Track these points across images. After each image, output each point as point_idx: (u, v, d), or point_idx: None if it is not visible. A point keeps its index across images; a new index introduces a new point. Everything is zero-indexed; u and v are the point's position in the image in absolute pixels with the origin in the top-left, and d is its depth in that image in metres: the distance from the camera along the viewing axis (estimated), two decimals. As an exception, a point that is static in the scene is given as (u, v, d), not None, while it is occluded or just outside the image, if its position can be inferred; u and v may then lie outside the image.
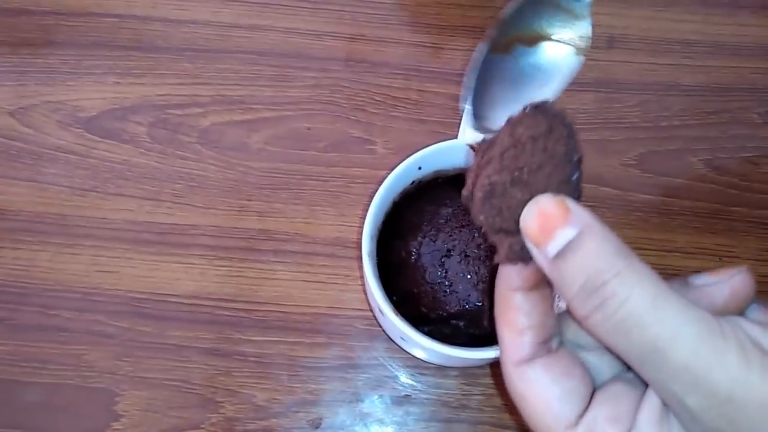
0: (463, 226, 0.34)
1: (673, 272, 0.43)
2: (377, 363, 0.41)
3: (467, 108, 0.26)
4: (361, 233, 0.43)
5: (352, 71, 0.48)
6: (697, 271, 0.43)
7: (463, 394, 0.41)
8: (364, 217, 0.43)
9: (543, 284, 0.22)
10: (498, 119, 0.24)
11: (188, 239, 0.43)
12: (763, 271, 0.43)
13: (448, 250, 0.34)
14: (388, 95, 0.48)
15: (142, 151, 0.46)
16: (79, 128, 0.46)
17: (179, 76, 0.48)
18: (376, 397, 0.41)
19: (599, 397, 0.21)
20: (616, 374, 0.22)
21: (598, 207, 0.45)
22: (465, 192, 0.22)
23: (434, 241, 0.34)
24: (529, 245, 0.20)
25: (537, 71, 0.26)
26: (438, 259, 0.34)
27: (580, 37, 0.25)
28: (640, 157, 0.47)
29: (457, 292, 0.33)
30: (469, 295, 0.33)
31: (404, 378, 0.41)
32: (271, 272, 0.43)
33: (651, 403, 0.20)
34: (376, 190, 0.34)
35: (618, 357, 0.20)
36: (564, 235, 0.19)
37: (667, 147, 0.47)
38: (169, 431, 0.39)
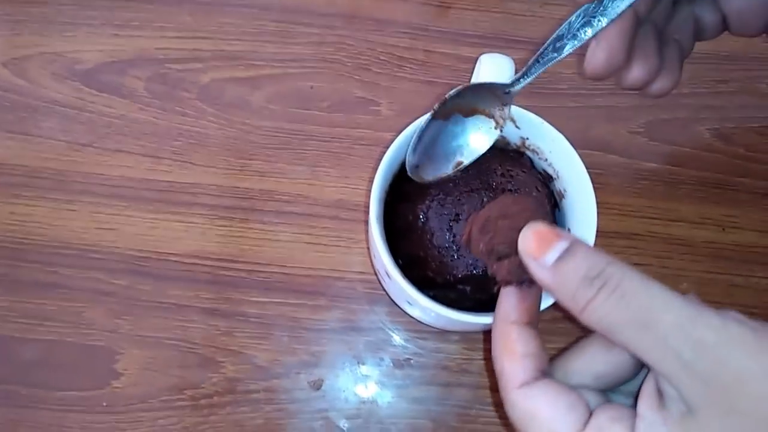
0: (472, 191, 0.34)
1: (677, 243, 0.43)
2: (378, 326, 0.41)
3: (408, 159, 0.33)
4: (364, 195, 0.43)
5: (357, 29, 0.47)
6: (703, 242, 0.43)
7: (464, 359, 0.41)
8: (367, 180, 0.43)
9: (535, 321, 0.26)
10: (432, 170, 0.34)
11: (188, 197, 0.43)
12: (766, 242, 0.43)
13: (457, 215, 0.33)
14: (394, 55, 0.47)
15: (141, 106, 0.44)
16: (75, 81, 0.45)
17: (179, 29, 0.46)
18: (377, 360, 0.41)
19: (598, 409, 0.24)
20: (604, 402, 0.25)
21: (604, 174, 0.44)
22: (464, 236, 0.27)
23: (442, 205, 0.34)
24: (528, 260, 0.24)
25: (465, 136, 0.34)
26: (446, 223, 0.33)
27: (503, 117, 0.33)
28: (648, 124, 0.46)
29: (464, 257, 0.33)
30: (476, 260, 0.33)
31: (405, 342, 0.41)
32: (273, 233, 0.42)
33: (648, 393, 0.22)
34: (381, 152, 0.33)
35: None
36: (559, 246, 0.23)
37: (674, 115, 0.46)
38: (169, 390, 0.39)
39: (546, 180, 0.37)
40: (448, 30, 0.48)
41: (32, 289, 0.40)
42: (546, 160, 0.36)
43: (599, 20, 0.30)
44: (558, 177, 0.36)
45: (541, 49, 0.32)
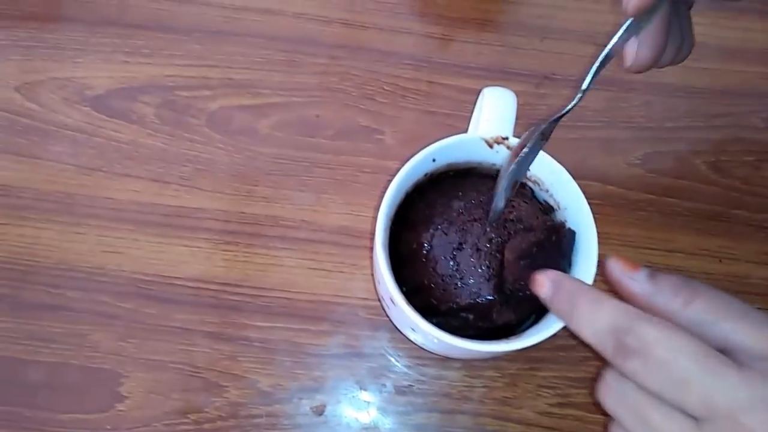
0: (475, 220, 0.34)
1: (675, 273, 0.44)
2: (380, 353, 0.42)
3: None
4: (368, 222, 0.44)
5: (361, 60, 0.48)
6: (700, 273, 0.44)
7: (466, 386, 0.41)
8: (371, 207, 0.44)
9: None
10: None
11: (194, 222, 0.43)
12: (762, 273, 0.44)
13: (460, 243, 0.34)
14: (398, 85, 0.48)
15: (150, 132, 0.45)
16: (86, 106, 0.46)
17: (188, 57, 0.47)
18: (379, 386, 0.41)
19: None
20: None
21: (602, 205, 0.45)
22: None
23: (446, 234, 0.34)
24: (622, 278, 0.28)
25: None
26: (450, 252, 0.34)
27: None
28: (645, 157, 0.47)
29: (468, 285, 0.33)
30: (480, 289, 0.33)
31: (407, 368, 0.41)
32: (278, 258, 0.43)
33: None
34: (384, 180, 0.35)
35: None
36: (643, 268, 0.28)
37: (671, 148, 0.48)
38: (173, 414, 0.39)
39: (547, 210, 0.37)
40: (450, 62, 0.49)
41: (38, 311, 0.41)
42: (547, 191, 0.37)
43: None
44: (559, 208, 0.36)
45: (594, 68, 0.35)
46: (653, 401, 0.25)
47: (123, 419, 0.39)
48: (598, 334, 0.26)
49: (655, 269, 0.28)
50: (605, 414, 0.40)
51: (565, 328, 0.32)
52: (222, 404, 0.40)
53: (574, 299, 0.28)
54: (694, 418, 0.24)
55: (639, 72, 0.36)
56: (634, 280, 0.28)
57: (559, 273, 0.31)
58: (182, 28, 0.48)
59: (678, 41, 0.37)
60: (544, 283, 0.30)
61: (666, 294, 0.27)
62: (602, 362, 0.40)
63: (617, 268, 0.28)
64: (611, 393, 0.27)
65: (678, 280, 0.27)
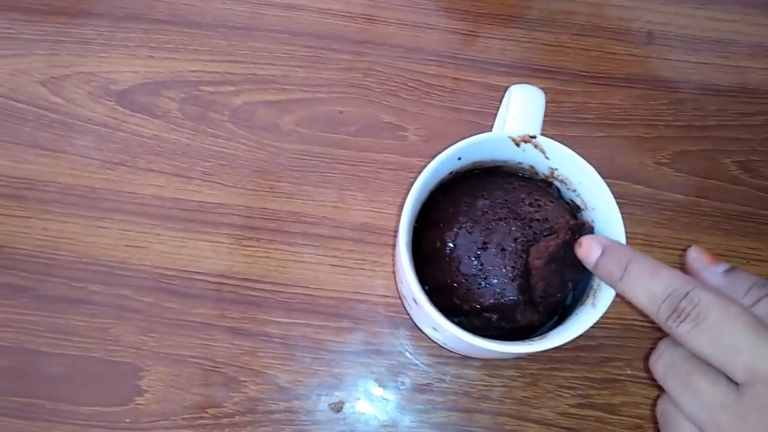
0: (500, 219, 0.34)
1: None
2: (400, 350, 0.41)
3: None
4: (390, 219, 0.43)
5: (385, 56, 0.48)
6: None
7: (485, 385, 0.41)
8: (393, 204, 0.44)
9: None
10: None
11: (217, 218, 0.43)
12: (792, 276, 0.43)
13: (485, 243, 0.33)
14: (422, 81, 0.47)
15: (173, 127, 0.45)
16: (110, 101, 0.46)
17: (212, 52, 0.47)
18: (398, 383, 0.41)
19: None
20: None
21: (629, 204, 0.44)
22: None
23: (470, 233, 0.34)
24: (702, 269, 0.29)
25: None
26: (474, 251, 0.33)
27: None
28: (673, 155, 0.46)
29: (491, 285, 0.33)
30: (504, 289, 0.33)
31: (426, 366, 0.41)
32: (299, 255, 0.43)
33: None
34: (407, 177, 0.34)
35: None
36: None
37: (700, 147, 0.47)
38: (191, 408, 0.39)
39: (574, 210, 0.37)
40: (475, 58, 0.48)
41: (60, 304, 0.41)
42: (575, 190, 0.36)
43: None
44: (586, 208, 0.36)
45: None
46: (700, 366, 0.26)
47: (142, 413, 0.39)
48: (653, 298, 0.27)
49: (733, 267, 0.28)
50: (627, 416, 0.40)
51: (586, 330, 0.32)
52: (241, 399, 0.40)
53: (629, 264, 0.29)
54: (736, 384, 0.25)
55: None
56: (711, 272, 0.28)
57: (609, 238, 0.31)
58: (207, 24, 0.48)
59: None
60: (591, 246, 0.31)
61: (737, 290, 0.27)
62: (622, 362, 0.39)
63: (698, 259, 0.29)
64: (662, 360, 0.27)
65: (753, 280, 0.27)
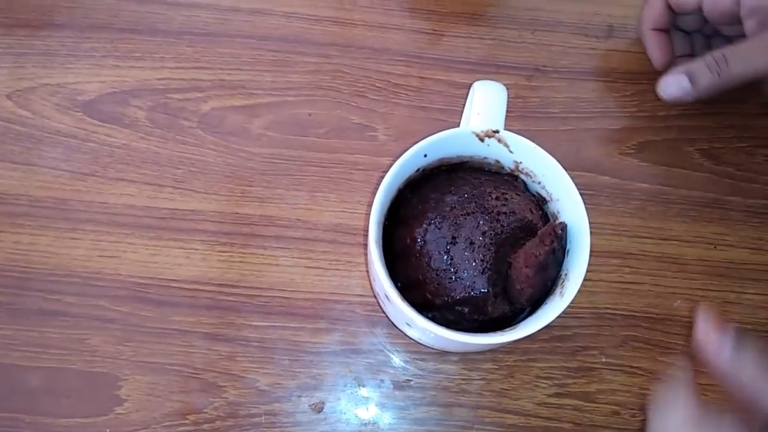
0: (468, 214, 0.34)
1: (669, 261, 0.44)
2: (378, 348, 0.42)
3: None
4: (362, 219, 0.44)
5: (352, 57, 0.48)
6: (696, 260, 0.44)
7: (464, 379, 0.41)
8: (365, 204, 0.44)
9: None
10: None
11: (189, 224, 0.43)
12: (757, 259, 0.44)
13: (453, 238, 0.34)
14: (389, 82, 0.48)
15: (142, 135, 0.45)
16: (78, 112, 0.46)
17: (179, 60, 0.47)
18: (378, 381, 0.41)
19: None
20: None
21: (596, 195, 0.45)
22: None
23: (439, 229, 0.34)
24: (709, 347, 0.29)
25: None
26: (443, 247, 0.34)
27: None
28: (638, 146, 0.47)
29: (462, 279, 0.34)
30: (474, 282, 0.33)
31: (405, 363, 0.41)
32: (273, 258, 0.43)
33: None
34: (378, 177, 0.34)
35: None
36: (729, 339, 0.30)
37: (664, 136, 0.48)
38: (172, 415, 0.40)
39: (540, 202, 0.37)
40: (441, 57, 0.49)
41: (35, 317, 0.41)
42: (539, 183, 0.37)
43: None
44: (551, 199, 0.36)
45: None
46: None
47: (122, 422, 0.39)
48: None
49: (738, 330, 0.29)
50: (604, 403, 0.40)
51: (558, 319, 0.32)
52: (221, 404, 0.40)
53: None
54: None
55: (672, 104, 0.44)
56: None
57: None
58: (172, 31, 0.48)
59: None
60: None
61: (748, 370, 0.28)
62: (597, 351, 0.40)
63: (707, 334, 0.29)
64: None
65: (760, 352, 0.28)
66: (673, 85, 0.43)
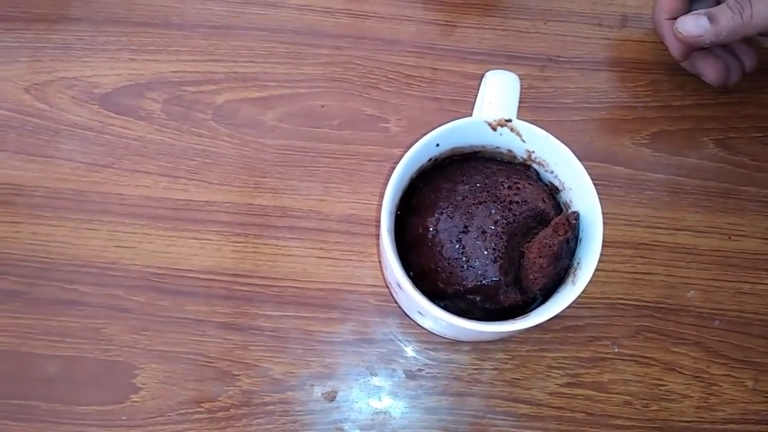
0: (480, 203, 0.34)
1: (683, 251, 0.44)
2: (390, 338, 0.42)
3: None
4: (375, 210, 0.44)
5: (365, 49, 0.49)
6: (709, 250, 0.44)
7: (476, 369, 0.41)
8: (377, 195, 0.44)
9: None
10: None
11: (204, 215, 0.44)
12: (772, 250, 0.44)
13: (465, 227, 0.34)
14: (402, 73, 0.48)
15: (158, 127, 0.46)
16: (94, 104, 0.46)
17: (193, 53, 0.48)
18: (390, 371, 0.41)
19: None
20: None
21: (610, 185, 0.45)
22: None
23: (451, 218, 0.34)
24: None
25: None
26: (455, 235, 0.34)
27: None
28: (652, 136, 0.47)
29: (474, 268, 0.34)
30: (486, 271, 0.33)
31: (417, 353, 0.42)
32: (287, 248, 0.43)
33: None
34: (390, 168, 0.35)
35: None
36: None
37: (678, 126, 0.47)
38: (186, 403, 0.40)
39: (552, 192, 0.37)
40: (453, 48, 0.49)
41: (53, 307, 0.42)
42: (552, 172, 0.37)
43: None
44: (564, 188, 0.36)
45: None
46: None
47: (138, 410, 0.40)
48: None
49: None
50: (616, 393, 0.40)
51: (570, 309, 0.32)
52: (235, 393, 0.40)
53: None
54: None
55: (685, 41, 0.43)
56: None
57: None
58: (187, 24, 0.49)
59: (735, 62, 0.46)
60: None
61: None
62: (609, 341, 0.40)
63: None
64: None
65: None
66: (691, 23, 0.42)
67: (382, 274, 0.42)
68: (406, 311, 0.39)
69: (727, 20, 0.41)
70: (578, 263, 0.34)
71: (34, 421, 0.40)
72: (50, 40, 0.48)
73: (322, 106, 0.47)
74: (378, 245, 0.43)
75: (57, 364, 0.41)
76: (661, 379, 0.41)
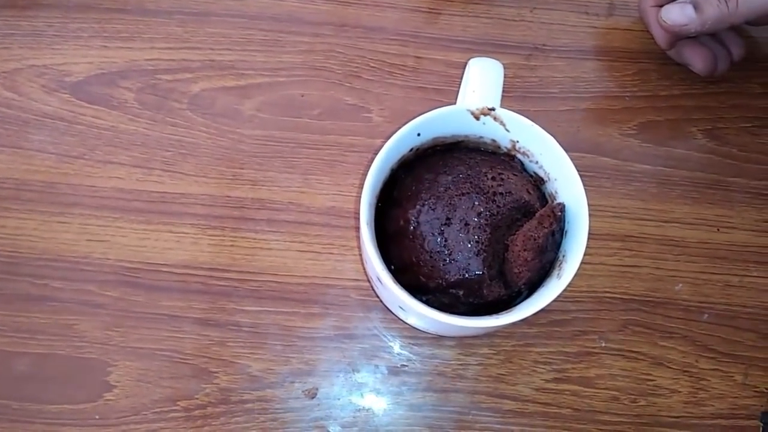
0: (463, 194, 0.33)
1: (671, 243, 0.43)
2: (373, 333, 0.41)
3: None
4: (356, 202, 0.43)
5: (346, 36, 0.47)
6: (697, 243, 0.43)
7: (460, 364, 0.40)
8: (359, 187, 0.43)
9: None
10: None
11: (179, 208, 0.42)
12: (760, 242, 0.43)
13: (448, 219, 0.33)
14: (384, 62, 0.47)
15: (131, 117, 0.44)
16: (65, 93, 0.45)
17: (168, 40, 0.46)
18: (372, 367, 0.40)
19: None
20: None
21: (597, 177, 0.44)
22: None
23: (433, 210, 0.33)
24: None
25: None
26: (437, 228, 0.33)
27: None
28: (640, 126, 0.46)
29: (456, 261, 0.33)
30: (468, 264, 0.32)
31: (400, 348, 0.41)
32: (265, 242, 0.42)
33: None
34: (373, 159, 0.33)
35: None
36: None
37: (666, 117, 0.46)
38: (162, 401, 0.39)
39: (537, 183, 0.36)
40: (437, 36, 0.48)
41: (23, 303, 0.40)
42: (537, 162, 0.36)
43: None
44: (549, 179, 0.35)
45: None
46: None
47: (111, 409, 0.38)
48: None
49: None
50: (603, 388, 0.40)
51: (556, 303, 0.31)
52: (212, 390, 0.39)
53: None
54: None
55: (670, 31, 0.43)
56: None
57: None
58: (162, 11, 0.47)
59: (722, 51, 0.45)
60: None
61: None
62: (596, 335, 0.39)
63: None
64: None
65: None
66: (676, 11, 0.41)
67: (364, 268, 0.41)
68: (388, 306, 0.38)
69: (712, 9, 0.40)
70: (564, 256, 0.33)
71: (4, 421, 0.38)
72: (20, 26, 0.46)
73: (302, 96, 0.45)
74: (359, 238, 0.42)
75: (27, 361, 0.39)
76: (649, 374, 0.41)
